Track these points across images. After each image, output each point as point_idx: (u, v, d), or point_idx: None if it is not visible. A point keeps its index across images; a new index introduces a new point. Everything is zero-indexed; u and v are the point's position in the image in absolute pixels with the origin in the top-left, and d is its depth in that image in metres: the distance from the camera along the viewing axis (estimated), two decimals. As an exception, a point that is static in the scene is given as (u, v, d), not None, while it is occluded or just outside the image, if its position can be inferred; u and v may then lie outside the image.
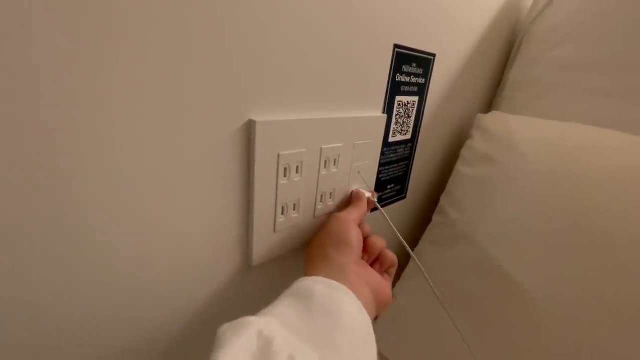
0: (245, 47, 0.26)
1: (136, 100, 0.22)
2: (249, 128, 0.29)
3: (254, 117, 0.28)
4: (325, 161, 0.36)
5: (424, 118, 0.50)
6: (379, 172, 0.46)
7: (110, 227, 0.23)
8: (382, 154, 0.45)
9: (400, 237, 0.39)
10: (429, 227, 0.55)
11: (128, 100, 0.22)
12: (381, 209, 0.40)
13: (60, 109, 0.19)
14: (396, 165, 0.49)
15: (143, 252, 0.26)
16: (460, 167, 0.55)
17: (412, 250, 0.56)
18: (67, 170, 0.21)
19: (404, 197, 0.55)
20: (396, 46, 0.40)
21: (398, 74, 0.41)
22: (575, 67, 0.54)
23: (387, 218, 0.39)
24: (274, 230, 0.34)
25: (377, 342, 0.54)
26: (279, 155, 0.31)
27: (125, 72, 0.21)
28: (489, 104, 0.69)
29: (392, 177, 0.49)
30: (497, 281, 0.43)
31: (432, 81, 0.48)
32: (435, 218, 0.55)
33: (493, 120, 0.54)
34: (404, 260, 0.62)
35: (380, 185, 0.47)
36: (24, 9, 0.17)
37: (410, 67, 0.43)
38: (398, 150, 0.48)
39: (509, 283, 0.42)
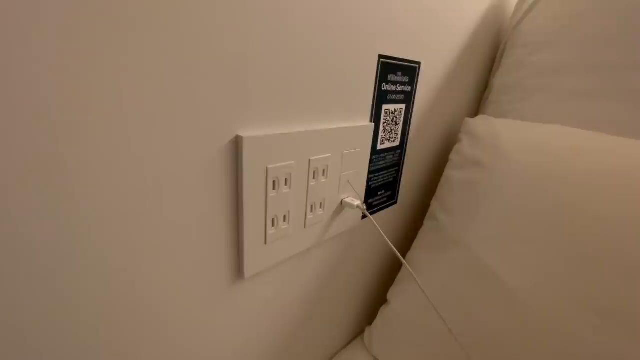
0: (231, 64, 0.27)
1: (123, 120, 0.22)
2: (237, 144, 0.29)
3: (241, 133, 0.29)
4: (314, 172, 0.36)
5: (412, 124, 0.51)
6: (368, 179, 0.46)
7: (98, 241, 0.24)
8: (371, 161, 0.45)
9: (391, 244, 0.40)
10: (421, 231, 0.56)
11: (115, 119, 0.22)
12: (371, 217, 0.40)
13: (49, 127, 0.20)
14: (385, 171, 0.49)
15: (133, 267, 0.26)
16: (449, 171, 0.56)
17: (405, 255, 0.56)
18: (61, 175, 0.21)
19: (395, 202, 0.56)
20: (381, 56, 0.40)
21: (384, 83, 0.42)
22: (557, 70, 0.56)
23: (377, 226, 0.40)
24: (265, 242, 0.34)
25: (372, 345, 0.55)
26: (267, 169, 0.31)
27: (111, 91, 0.21)
28: (477, 108, 0.70)
29: (382, 184, 0.50)
30: (487, 284, 0.43)
31: (418, 88, 0.49)
32: (426, 222, 0.56)
33: (480, 124, 0.55)
34: (398, 263, 0.62)
35: (370, 192, 0.48)
36: (21, 22, 0.17)
37: (395, 76, 0.44)
38: (387, 157, 0.48)
39: (498, 285, 0.42)
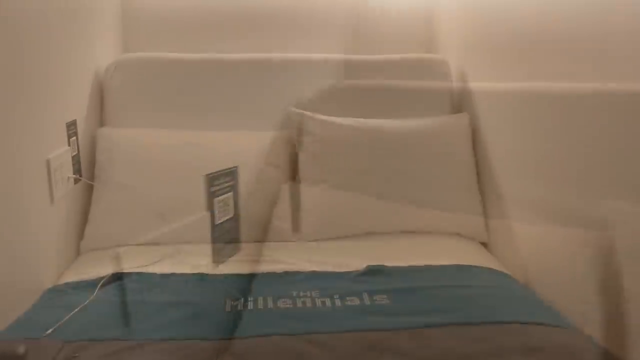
0: None
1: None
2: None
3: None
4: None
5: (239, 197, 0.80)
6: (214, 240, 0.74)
7: None
8: (214, 231, 0.73)
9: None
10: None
11: None
12: None
13: None
14: (227, 234, 0.77)
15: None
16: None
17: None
18: None
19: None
20: (207, 175, 0.68)
21: (212, 187, 0.70)
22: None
23: None
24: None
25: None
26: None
27: None
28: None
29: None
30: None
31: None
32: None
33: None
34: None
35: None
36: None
37: (221, 180, 0.72)
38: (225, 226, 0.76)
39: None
